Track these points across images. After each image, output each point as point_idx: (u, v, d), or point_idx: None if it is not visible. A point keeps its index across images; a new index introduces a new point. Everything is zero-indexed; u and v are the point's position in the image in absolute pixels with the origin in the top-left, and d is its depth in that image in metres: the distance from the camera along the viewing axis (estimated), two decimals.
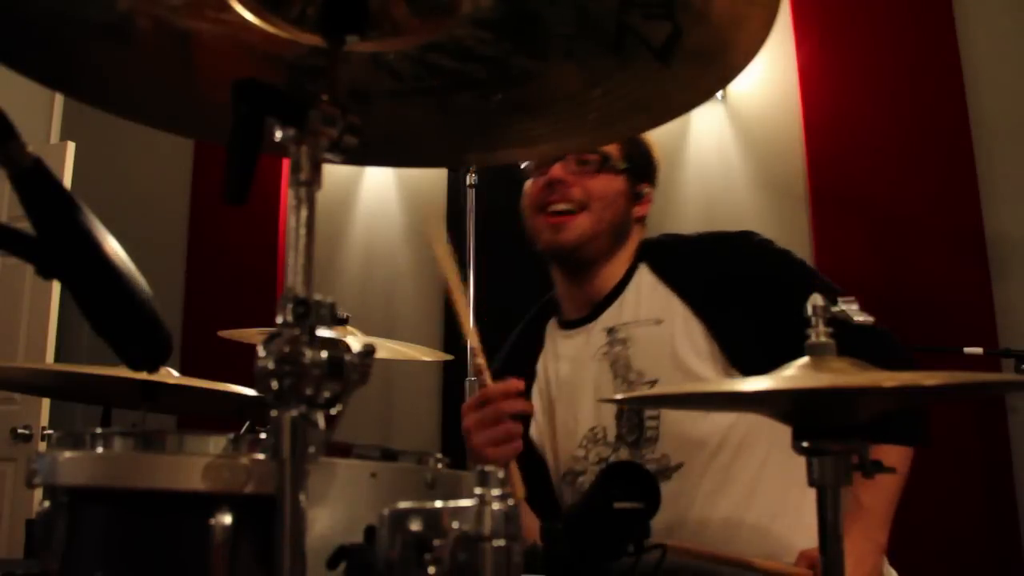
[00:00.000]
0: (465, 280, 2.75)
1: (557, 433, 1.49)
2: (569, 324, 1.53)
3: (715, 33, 0.74)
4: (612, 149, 1.48)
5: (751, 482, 1.36)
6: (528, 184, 1.50)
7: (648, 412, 1.39)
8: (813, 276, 1.44)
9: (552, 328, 1.57)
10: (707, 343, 1.38)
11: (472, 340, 1.24)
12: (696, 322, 1.39)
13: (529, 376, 1.52)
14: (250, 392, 1.83)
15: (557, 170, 1.44)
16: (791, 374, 0.82)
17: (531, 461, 1.44)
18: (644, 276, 1.47)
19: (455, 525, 0.62)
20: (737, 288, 1.38)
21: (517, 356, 1.56)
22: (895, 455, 1.29)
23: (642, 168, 1.52)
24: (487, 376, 1.24)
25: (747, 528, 1.35)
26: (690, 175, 3.37)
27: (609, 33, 0.76)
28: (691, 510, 1.35)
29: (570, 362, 1.49)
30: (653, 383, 1.39)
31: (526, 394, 1.40)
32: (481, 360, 1.24)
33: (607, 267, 1.48)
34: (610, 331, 1.45)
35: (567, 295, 1.54)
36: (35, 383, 2.27)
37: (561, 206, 1.44)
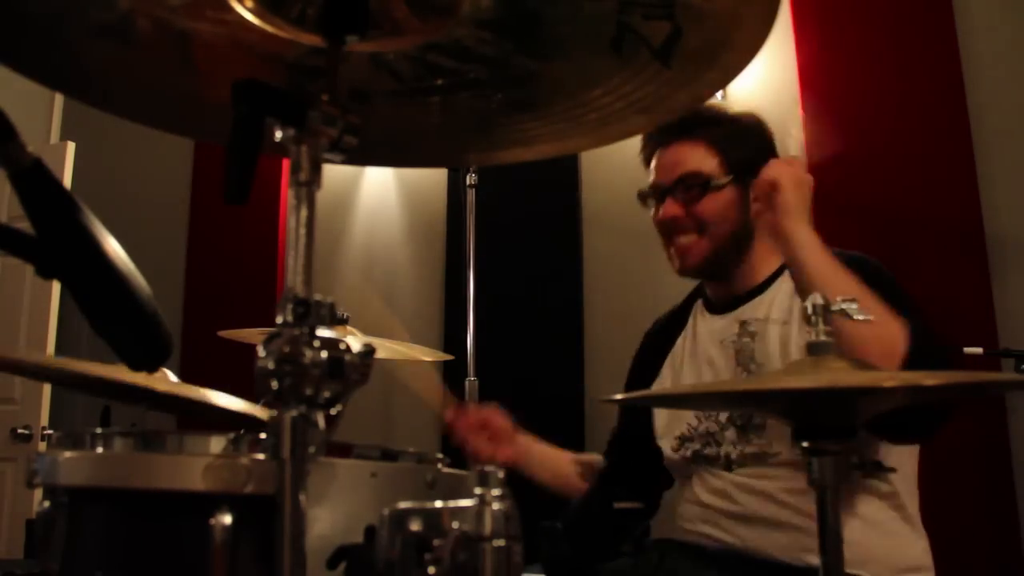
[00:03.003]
0: (465, 279, 2.75)
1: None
2: (712, 308, 1.61)
3: (715, 33, 0.74)
4: (713, 167, 1.50)
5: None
6: (652, 215, 1.58)
7: None
8: (917, 311, 1.40)
9: (698, 307, 1.66)
10: None
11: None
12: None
13: (668, 348, 1.66)
14: (243, 406, 1.78)
15: (668, 209, 1.52)
16: (791, 374, 0.82)
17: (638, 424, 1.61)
18: (786, 283, 1.50)
19: (455, 525, 0.62)
20: None
21: (664, 330, 1.70)
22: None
23: (748, 166, 1.48)
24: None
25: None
26: None
27: (609, 33, 0.76)
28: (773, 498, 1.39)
29: (702, 341, 1.59)
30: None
31: (658, 362, 1.63)
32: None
33: (744, 268, 1.55)
34: (743, 323, 1.51)
35: (711, 289, 1.62)
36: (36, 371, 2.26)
37: (680, 239, 1.52)
